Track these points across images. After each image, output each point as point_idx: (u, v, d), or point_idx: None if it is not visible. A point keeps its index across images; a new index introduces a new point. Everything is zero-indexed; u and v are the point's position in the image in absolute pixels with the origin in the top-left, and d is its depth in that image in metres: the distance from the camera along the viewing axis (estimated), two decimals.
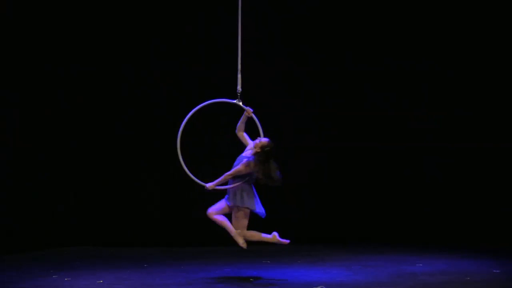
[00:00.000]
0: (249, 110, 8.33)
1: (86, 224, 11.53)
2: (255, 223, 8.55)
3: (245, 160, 8.17)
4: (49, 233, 11.15)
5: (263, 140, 8.17)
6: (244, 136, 8.45)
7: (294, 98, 11.74)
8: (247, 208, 8.28)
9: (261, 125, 8.40)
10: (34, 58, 11.02)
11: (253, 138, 8.43)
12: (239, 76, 8.42)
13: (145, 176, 11.63)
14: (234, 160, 8.37)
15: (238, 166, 8.16)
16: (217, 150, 11.22)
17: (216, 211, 8.34)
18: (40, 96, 11.10)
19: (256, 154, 8.11)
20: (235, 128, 8.44)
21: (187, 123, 8.50)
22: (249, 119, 8.38)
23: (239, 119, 8.40)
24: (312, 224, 11.70)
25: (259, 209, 8.37)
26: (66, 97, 11.42)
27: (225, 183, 8.28)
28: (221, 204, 8.38)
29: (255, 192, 8.36)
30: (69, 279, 8.36)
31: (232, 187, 8.21)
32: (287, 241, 8.36)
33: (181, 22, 11.58)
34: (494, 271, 8.57)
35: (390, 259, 9.69)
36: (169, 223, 11.56)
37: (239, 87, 8.40)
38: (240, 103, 8.38)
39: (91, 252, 10.83)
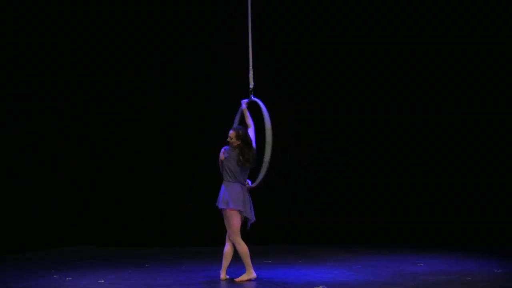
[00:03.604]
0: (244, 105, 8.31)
1: (86, 224, 11.54)
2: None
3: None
4: (50, 233, 11.16)
5: (231, 132, 8.10)
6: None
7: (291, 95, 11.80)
8: (233, 210, 8.09)
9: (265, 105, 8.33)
10: (33, 57, 11.03)
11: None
12: (251, 72, 8.35)
13: (145, 176, 11.64)
14: None
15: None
16: None
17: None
18: (41, 95, 11.10)
19: (236, 145, 8.07)
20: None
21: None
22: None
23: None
24: (312, 224, 11.70)
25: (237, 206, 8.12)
26: (66, 97, 11.44)
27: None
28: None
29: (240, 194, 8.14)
30: (70, 278, 8.36)
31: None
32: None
33: (181, 20, 11.61)
34: (495, 271, 8.57)
35: (391, 259, 9.69)
36: (169, 223, 11.57)
37: (252, 83, 8.32)
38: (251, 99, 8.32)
39: (92, 252, 10.84)
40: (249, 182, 8.19)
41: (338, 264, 9.31)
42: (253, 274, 8.12)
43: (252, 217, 8.16)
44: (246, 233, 8.56)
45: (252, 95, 8.29)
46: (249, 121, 8.27)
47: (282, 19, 11.72)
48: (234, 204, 8.03)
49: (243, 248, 8.10)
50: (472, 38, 11.68)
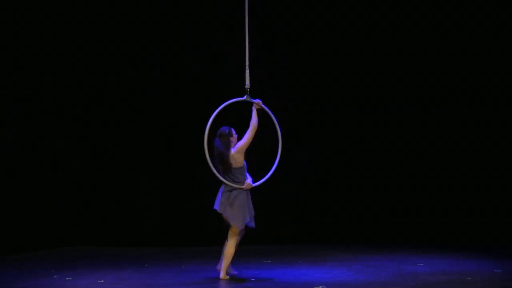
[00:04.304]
0: (259, 102, 8.28)
1: (86, 224, 11.54)
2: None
3: None
4: (50, 233, 11.16)
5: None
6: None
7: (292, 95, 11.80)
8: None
9: (274, 114, 8.34)
10: (33, 57, 11.02)
11: (265, 131, 8.43)
12: (247, 72, 8.36)
13: (145, 176, 11.64)
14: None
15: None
16: None
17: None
18: (41, 95, 11.10)
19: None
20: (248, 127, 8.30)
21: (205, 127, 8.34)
22: (259, 111, 8.32)
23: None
24: (312, 224, 11.70)
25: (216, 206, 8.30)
26: (66, 97, 11.44)
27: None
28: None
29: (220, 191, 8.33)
30: (70, 278, 8.36)
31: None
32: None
33: (181, 20, 11.61)
34: (495, 271, 8.57)
35: (391, 259, 9.70)
36: (169, 223, 11.57)
37: (247, 83, 8.34)
38: (249, 98, 8.31)
39: (92, 252, 10.84)
40: (250, 181, 8.21)
41: (338, 264, 9.31)
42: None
43: (231, 220, 8.17)
44: (246, 233, 8.56)
45: (246, 95, 8.31)
46: (251, 121, 8.26)
47: (282, 19, 11.73)
48: (215, 204, 8.23)
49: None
50: (472, 38, 11.68)
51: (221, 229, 8.58)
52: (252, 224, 8.24)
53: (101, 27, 11.52)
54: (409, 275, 8.37)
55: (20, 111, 10.90)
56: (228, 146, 8.15)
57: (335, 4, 11.77)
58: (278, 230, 11.59)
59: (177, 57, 11.60)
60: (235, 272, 8.40)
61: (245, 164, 8.28)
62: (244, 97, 8.32)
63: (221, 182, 8.18)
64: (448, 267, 8.90)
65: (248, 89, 8.32)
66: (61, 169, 11.40)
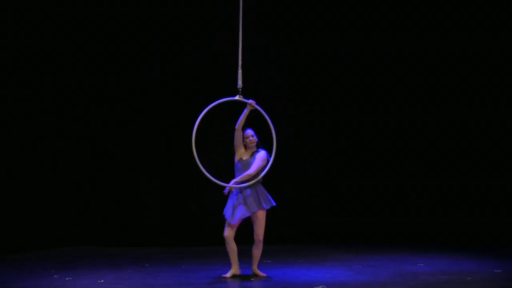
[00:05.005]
0: (252, 102, 8.26)
1: (86, 224, 11.54)
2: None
3: (264, 154, 8.26)
4: (50, 233, 11.16)
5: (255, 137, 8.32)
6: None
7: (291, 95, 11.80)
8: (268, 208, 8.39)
9: (267, 114, 8.31)
10: (33, 57, 11.02)
11: (262, 131, 8.46)
12: (240, 71, 8.34)
13: (145, 176, 11.64)
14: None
15: (260, 163, 8.19)
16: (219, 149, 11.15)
17: (233, 233, 8.30)
18: (41, 95, 11.10)
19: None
20: (234, 125, 8.31)
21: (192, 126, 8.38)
22: (252, 112, 8.31)
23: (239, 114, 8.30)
24: (312, 224, 11.70)
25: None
26: (66, 97, 11.44)
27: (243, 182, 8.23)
28: (236, 223, 8.29)
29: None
30: (70, 278, 8.35)
31: (250, 193, 8.23)
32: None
33: (181, 20, 11.61)
34: (495, 271, 8.57)
35: (391, 259, 9.70)
36: (169, 223, 11.57)
37: (240, 83, 8.32)
38: (242, 98, 8.29)
39: (92, 252, 10.84)
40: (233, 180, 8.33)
41: (338, 264, 9.31)
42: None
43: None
44: (246, 234, 8.58)
45: (238, 94, 8.29)
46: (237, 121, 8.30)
47: (282, 19, 11.73)
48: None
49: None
50: (472, 38, 11.69)
51: (220, 229, 8.58)
52: (230, 218, 8.24)
53: (101, 27, 11.52)
54: (409, 275, 8.36)
55: (20, 111, 10.90)
56: None
57: (335, 4, 11.78)
58: (278, 230, 11.58)
59: (177, 57, 11.61)
60: (263, 274, 8.47)
61: (239, 164, 8.30)
62: (236, 97, 8.29)
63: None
64: (448, 267, 8.90)
65: (240, 89, 8.30)
66: (61, 169, 11.40)
